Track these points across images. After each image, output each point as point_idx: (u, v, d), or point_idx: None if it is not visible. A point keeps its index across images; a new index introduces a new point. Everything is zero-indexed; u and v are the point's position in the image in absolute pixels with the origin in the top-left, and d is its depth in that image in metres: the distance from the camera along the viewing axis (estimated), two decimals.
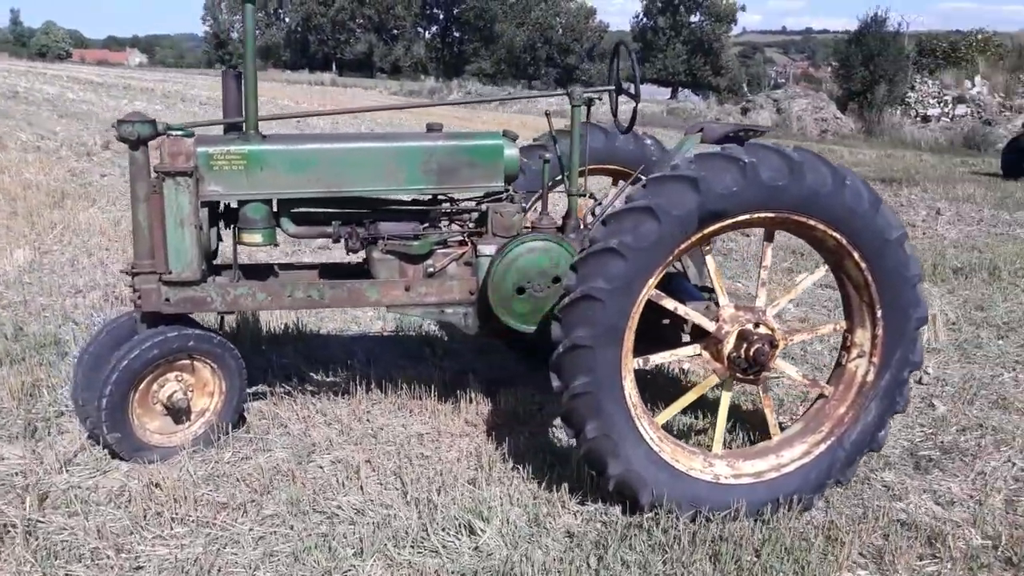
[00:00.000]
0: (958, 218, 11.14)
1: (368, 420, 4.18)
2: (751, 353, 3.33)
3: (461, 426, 4.16)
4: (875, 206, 3.29)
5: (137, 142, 3.53)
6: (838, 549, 3.15)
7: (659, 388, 4.63)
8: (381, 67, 76.51)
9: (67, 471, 3.54)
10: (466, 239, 4.08)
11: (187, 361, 3.73)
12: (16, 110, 20.34)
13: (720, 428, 3.48)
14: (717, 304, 3.55)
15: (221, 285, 3.82)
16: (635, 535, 3.17)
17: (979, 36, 36.89)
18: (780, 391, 4.76)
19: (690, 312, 3.47)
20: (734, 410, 4.04)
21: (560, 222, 4.18)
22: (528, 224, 4.12)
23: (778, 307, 3.54)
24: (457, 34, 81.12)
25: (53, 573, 2.88)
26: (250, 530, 3.18)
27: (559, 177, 4.67)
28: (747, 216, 3.21)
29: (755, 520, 3.31)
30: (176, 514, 3.24)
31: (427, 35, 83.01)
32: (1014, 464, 4.00)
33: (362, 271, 4.18)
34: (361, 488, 3.52)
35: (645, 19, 72.82)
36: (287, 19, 79.86)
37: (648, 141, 5.04)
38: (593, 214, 4.43)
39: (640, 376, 3.40)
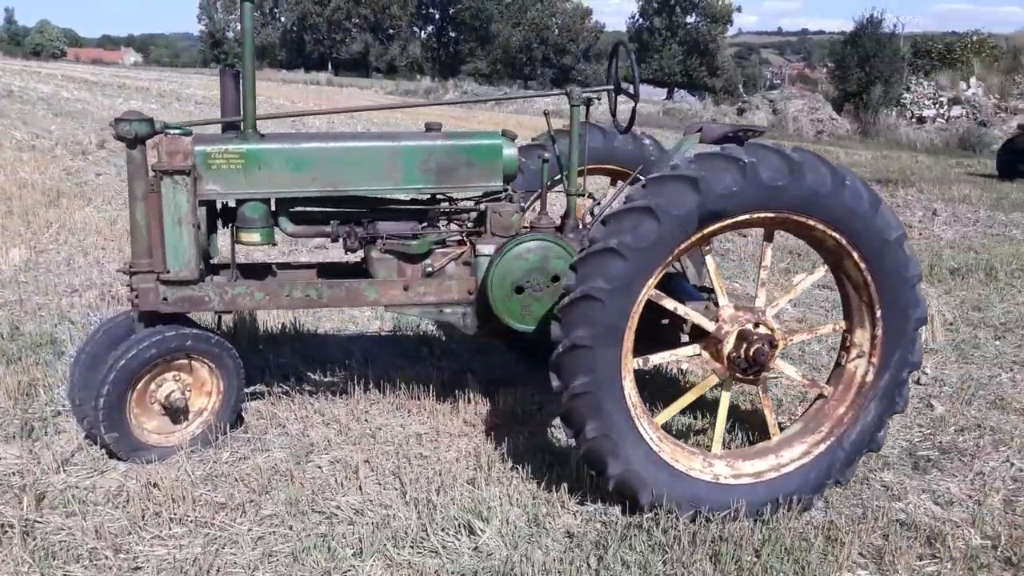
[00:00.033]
0: (954, 219, 11.16)
1: (366, 420, 4.17)
2: (751, 353, 3.32)
3: (460, 426, 4.15)
4: (875, 206, 3.29)
5: (135, 141, 3.52)
6: (838, 549, 3.15)
7: (657, 388, 4.63)
8: (377, 67, 76.48)
9: (64, 471, 3.52)
10: (465, 239, 4.07)
11: (185, 361, 3.72)
12: (11, 109, 20.27)
13: (720, 428, 3.48)
14: (716, 304, 3.55)
15: (219, 284, 3.81)
16: (635, 535, 3.16)
17: (974, 37, 36.98)
18: (779, 391, 4.76)
19: (690, 312, 3.46)
20: (733, 410, 4.03)
21: (559, 222, 4.18)
22: (527, 224, 4.11)
23: (777, 307, 3.54)
24: (453, 34, 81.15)
25: (51, 573, 2.87)
26: (249, 530, 3.17)
27: (557, 177, 4.67)
28: (747, 216, 3.21)
29: (755, 520, 3.31)
30: (174, 514, 3.23)
31: (423, 35, 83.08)
32: (1012, 464, 4.01)
33: (360, 271, 4.17)
34: (360, 488, 3.51)
35: (641, 19, 72.95)
36: (283, 18, 79.76)
37: (647, 141, 5.04)
38: (592, 214, 4.43)
39: (639, 376, 3.40)
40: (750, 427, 4.17)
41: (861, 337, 3.51)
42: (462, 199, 4.18)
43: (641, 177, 4.29)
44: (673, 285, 3.96)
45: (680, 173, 3.15)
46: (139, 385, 3.61)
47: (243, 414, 4.04)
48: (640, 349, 3.33)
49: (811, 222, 3.26)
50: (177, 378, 3.71)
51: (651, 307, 3.32)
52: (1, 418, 3.99)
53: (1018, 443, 4.22)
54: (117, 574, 2.90)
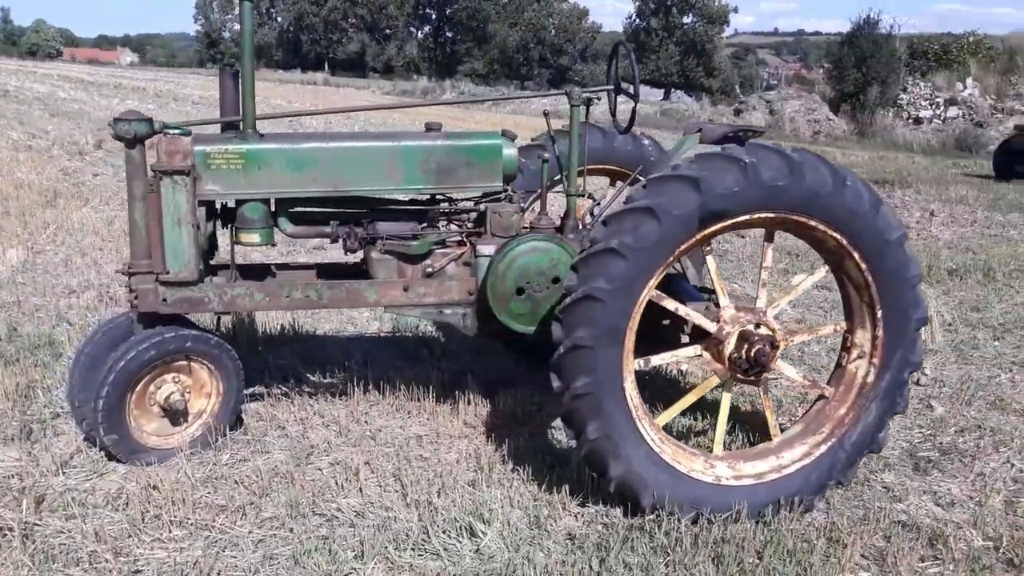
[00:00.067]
0: (952, 220, 11.18)
1: (366, 422, 4.16)
2: (752, 354, 3.32)
3: (460, 427, 4.14)
4: (875, 207, 3.29)
5: (134, 141, 3.50)
6: (840, 551, 3.14)
7: (657, 389, 4.62)
8: (374, 67, 76.45)
9: (64, 473, 3.51)
10: (465, 239, 4.06)
11: (184, 362, 3.70)
12: (7, 109, 20.22)
13: (721, 429, 3.47)
14: (717, 305, 3.54)
15: (218, 285, 3.79)
16: (637, 537, 3.15)
17: (970, 38, 37.05)
18: (778, 392, 4.75)
19: (691, 313, 3.46)
20: (733, 411, 4.03)
21: (558, 222, 4.17)
22: (527, 224, 4.10)
23: (778, 308, 3.53)
24: (450, 34, 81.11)
25: None
26: (249, 533, 3.16)
27: (557, 177, 4.66)
28: (748, 216, 3.20)
29: (756, 522, 3.30)
30: (174, 517, 3.21)
31: (420, 35, 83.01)
32: (1013, 465, 4.01)
33: (360, 271, 4.15)
34: (360, 490, 3.49)
35: (638, 20, 72.93)
36: (279, 18, 79.67)
37: (646, 141, 5.03)
38: (591, 214, 4.42)
39: (638, 377, 3.39)
40: (750, 428, 4.17)
41: (862, 338, 3.50)
42: (462, 199, 4.17)
43: (641, 178, 4.29)
44: (673, 286, 3.95)
45: (681, 173, 3.14)
46: (138, 387, 3.59)
47: (243, 416, 4.02)
48: (640, 350, 3.33)
49: (812, 222, 3.26)
50: (176, 380, 3.70)
51: (651, 308, 3.32)
52: (0, 420, 3.98)
53: (1018, 444, 4.22)
54: None
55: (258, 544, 3.10)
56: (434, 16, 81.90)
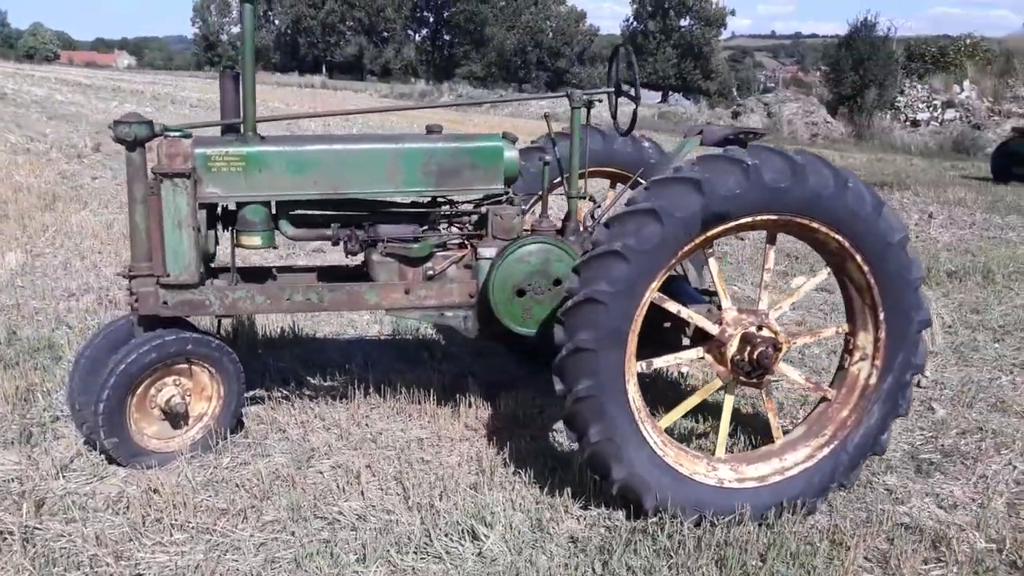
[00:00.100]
0: (950, 222, 11.19)
1: (367, 424, 4.15)
2: (755, 356, 3.31)
3: (461, 430, 4.13)
4: (877, 209, 3.28)
5: (134, 143, 3.49)
6: (843, 553, 3.13)
7: (658, 392, 4.61)
8: (371, 70, 76.45)
9: (64, 477, 3.49)
10: (466, 242, 4.05)
11: (185, 365, 3.69)
12: (4, 112, 20.21)
13: (723, 432, 3.46)
14: (719, 307, 3.54)
15: (219, 288, 3.78)
16: (639, 540, 3.15)
17: (967, 41, 37.15)
18: (779, 394, 4.75)
19: (693, 315, 3.45)
20: (735, 414, 4.02)
21: (559, 224, 4.17)
22: (528, 227, 4.10)
23: (780, 310, 3.53)
24: (447, 37, 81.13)
25: None
26: (251, 536, 3.15)
27: (557, 180, 4.66)
28: (750, 218, 3.20)
29: (759, 524, 3.30)
30: (175, 520, 3.20)
31: (417, 38, 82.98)
32: (1015, 467, 4.00)
33: (360, 274, 4.15)
34: (362, 493, 3.48)
35: (635, 23, 73.04)
36: (277, 21, 79.66)
37: (646, 144, 5.03)
38: (592, 216, 4.41)
39: (639, 380, 3.38)
40: (752, 431, 4.16)
41: (864, 340, 3.50)
42: (463, 202, 4.16)
43: (641, 180, 4.29)
44: (675, 288, 3.94)
45: (683, 175, 3.14)
46: (139, 390, 3.58)
47: (243, 419, 4.01)
48: (642, 352, 3.32)
49: (814, 224, 3.25)
50: (177, 383, 3.69)
51: (652, 310, 3.31)
52: None
53: (1020, 446, 4.22)
54: None
55: (260, 548, 3.09)
56: (432, 19, 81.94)
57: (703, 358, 3.49)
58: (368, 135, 4.44)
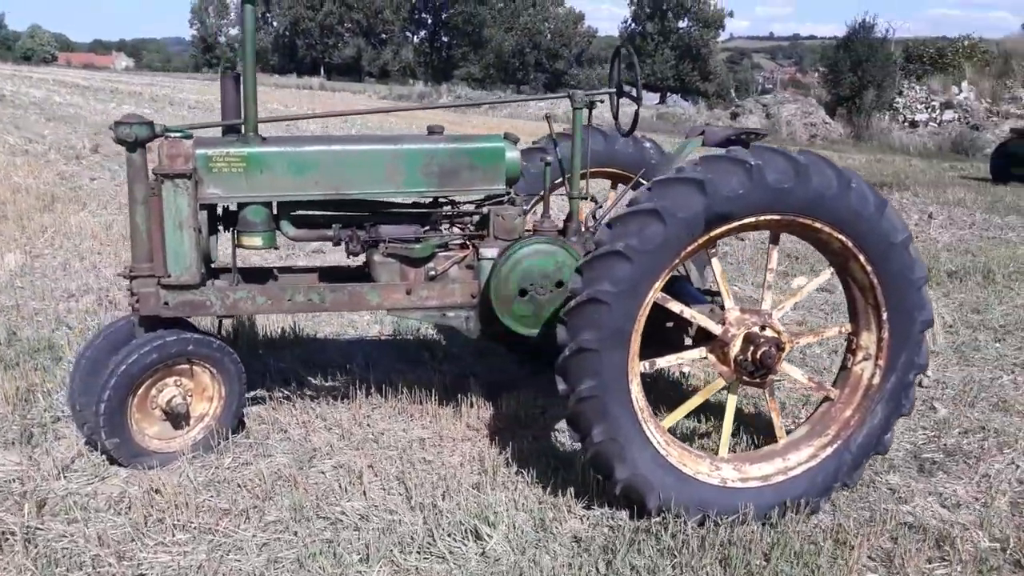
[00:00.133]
0: (950, 222, 11.19)
1: (368, 425, 4.14)
2: (758, 356, 3.31)
3: (463, 430, 4.12)
4: (880, 209, 3.28)
5: (135, 144, 3.49)
6: (847, 553, 3.13)
7: (660, 392, 4.61)
8: (369, 71, 76.40)
9: (65, 477, 3.49)
10: (467, 242, 4.05)
11: (186, 365, 3.68)
12: (3, 113, 20.19)
13: (726, 431, 3.46)
14: (722, 307, 3.53)
15: (220, 289, 3.78)
16: (643, 540, 3.14)
17: (965, 42, 37.16)
18: (781, 394, 4.74)
19: (696, 315, 3.44)
20: (737, 414, 4.01)
21: (561, 225, 4.16)
22: (529, 227, 4.09)
23: (783, 310, 3.52)
24: (445, 39, 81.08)
25: None
26: (253, 536, 3.14)
27: (559, 180, 4.66)
28: (753, 219, 3.19)
29: (763, 524, 3.29)
30: (177, 521, 3.19)
31: (415, 39, 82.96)
32: (1018, 467, 4.00)
33: (362, 274, 4.14)
34: (364, 493, 3.48)
35: (633, 24, 73.00)
36: (275, 23, 79.63)
37: (647, 144, 5.03)
38: (594, 217, 4.41)
39: (642, 380, 3.37)
40: (755, 430, 4.16)
41: (867, 340, 3.49)
42: (464, 202, 4.16)
43: (643, 181, 4.28)
44: (677, 288, 3.94)
45: (687, 175, 3.14)
46: (140, 390, 3.58)
47: (244, 419, 4.01)
48: (644, 353, 3.31)
49: (817, 224, 3.25)
50: (178, 383, 3.68)
51: (655, 310, 3.30)
52: (0, 424, 3.95)
53: (1022, 445, 4.21)
54: None
55: (262, 548, 3.08)
56: (430, 21, 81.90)
57: (706, 358, 3.49)
58: (370, 136, 4.44)
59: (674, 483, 3.25)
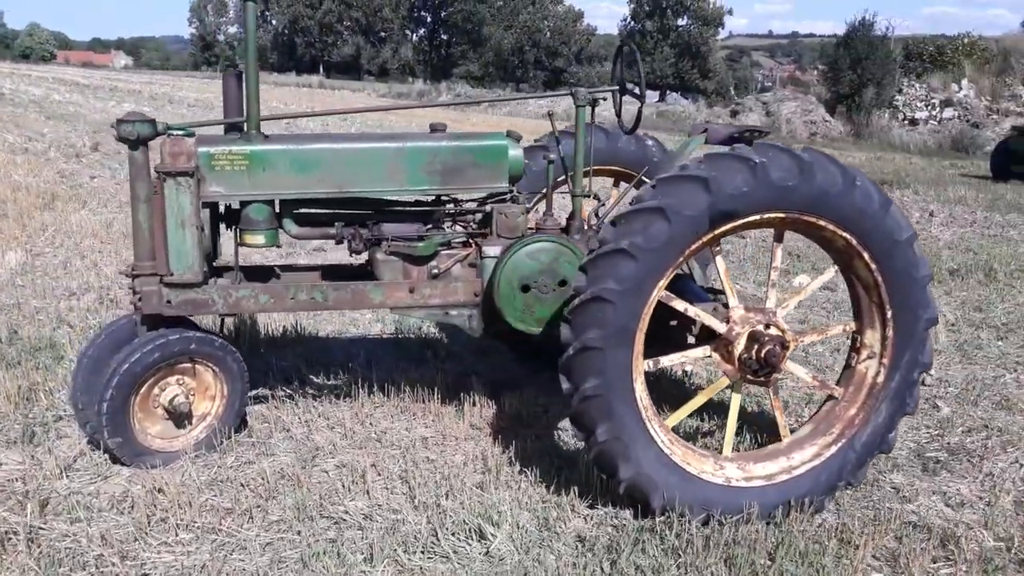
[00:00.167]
0: (951, 220, 11.18)
1: (371, 424, 4.13)
2: (762, 354, 3.30)
3: (466, 429, 4.11)
4: (885, 207, 3.27)
5: (137, 142, 3.48)
6: (852, 552, 3.12)
7: (663, 390, 4.59)
8: (369, 69, 76.36)
9: (67, 476, 3.48)
10: (470, 240, 4.04)
11: (188, 364, 3.67)
12: (2, 112, 20.14)
13: (730, 430, 3.45)
14: (726, 306, 3.52)
15: (223, 287, 3.77)
16: (647, 539, 3.13)
17: (965, 40, 37.11)
18: (784, 393, 4.73)
19: (700, 313, 3.43)
20: (741, 412, 4.00)
21: (564, 223, 4.15)
22: (532, 225, 4.08)
23: (787, 308, 3.51)
24: (445, 37, 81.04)
25: None
26: (257, 536, 3.13)
27: (561, 178, 4.65)
28: (757, 216, 3.19)
29: (767, 523, 3.28)
30: (181, 520, 3.18)
31: (415, 38, 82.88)
32: (1021, 465, 3.99)
33: (364, 273, 4.13)
34: (367, 493, 3.47)
35: (633, 22, 72.95)
36: (274, 21, 79.54)
37: (649, 142, 5.03)
38: (596, 215, 4.40)
39: (645, 378, 3.36)
40: (758, 429, 4.15)
41: (871, 338, 3.48)
42: (467, 200, 4.15)
43: (646, 179, 4.27)
44: (681, 286, 3.93)
45: (691, 173, 3.13)
46: (143, 389, 3.57)
47: (247, 418, 4.00)
48: (648, 351, 3.30)
49: (821, 222, 3.24)
50: (181, 382, 3.67)
51: (659, 308, 3.29)
52: (2, 423, 3.94)
53: None
54: None
55: (266, 547, 3.07)
56: (429, 19, 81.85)
57: (710, 356, 3.48)
58: (372, 134, 4.42)
59: (678, 482, 3.24)
